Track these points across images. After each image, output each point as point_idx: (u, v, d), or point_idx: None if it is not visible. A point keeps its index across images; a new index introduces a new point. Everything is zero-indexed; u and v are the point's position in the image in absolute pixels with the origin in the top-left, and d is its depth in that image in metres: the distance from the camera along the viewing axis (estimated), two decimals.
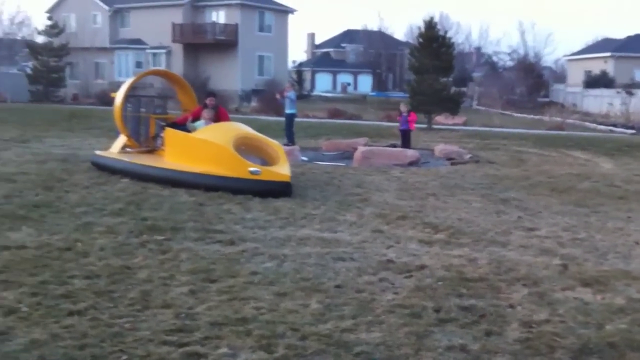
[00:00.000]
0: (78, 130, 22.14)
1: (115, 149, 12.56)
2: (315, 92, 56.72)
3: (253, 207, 9.18)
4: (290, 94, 19.31)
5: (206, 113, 11.88)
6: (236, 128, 11.50)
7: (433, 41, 27.02)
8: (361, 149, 15.53)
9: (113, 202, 9.19)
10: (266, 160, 10.71)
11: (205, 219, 8.34)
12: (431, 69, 26.79)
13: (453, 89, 28.75)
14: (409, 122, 18.25)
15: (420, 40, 27.70)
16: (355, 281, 6.01)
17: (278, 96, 20.70)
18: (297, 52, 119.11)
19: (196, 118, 12.09)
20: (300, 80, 51.88)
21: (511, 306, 5.46)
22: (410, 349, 4.47)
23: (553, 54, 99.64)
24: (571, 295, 5.81)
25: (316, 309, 5.18)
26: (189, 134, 11.31)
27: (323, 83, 66.14)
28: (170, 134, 11.56)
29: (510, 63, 66.18)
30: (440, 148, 17.58)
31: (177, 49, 48.79)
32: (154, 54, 50.03)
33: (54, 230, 7.46)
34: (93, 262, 6.26)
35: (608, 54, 51.30)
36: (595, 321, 5.16)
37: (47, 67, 43.25)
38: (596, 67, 50.29)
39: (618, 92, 38.34)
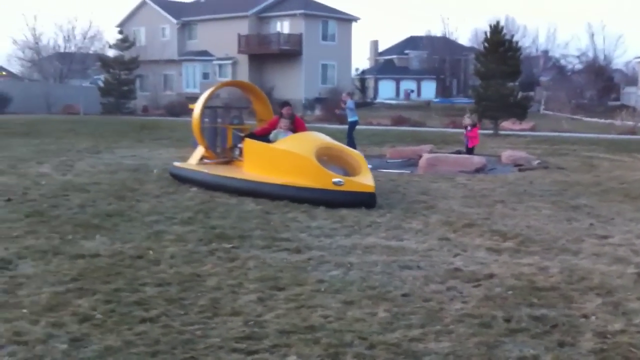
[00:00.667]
0: (148, 141, 22.73)
1: (194, 160, 12.56)
2: (379, 100, 56.62)
3: (318, 215, 9.23)
4: (349, 102, 19.44)
5: (283, 123, 11.72)
6: (317, 138, 11.26)
7: (499, 46, 26.62)
8: (426, 156, 15.41)
9: (183, 211, 9.40)
10: (348, 170, 10.51)
11: (272, 227, 8.43)
12: (497, 74, 26.38)
13: (520, 94, 28.22)
14: (469, 139, 17.43)
15: (486, 45, 27.31)
16: (423, 290, 5.96)
17: (337, 111, 21.23)
18: (360, 60, 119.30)
19: (273, 128, 11.91)
20: (363, 88, 51.97)
21: (584, 316, 5.31)
22: (480, 359, 4.40)
23: (624, 56, 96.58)
24: None
25: (384, 317, 5.16)
26: (269, 145, 11.11)
27: (386, 90, 65.96)
28: (249, 144, 11.45)
29: (579, 66, 64.58)
30: (507, 154, 17.27)
31: (243, 59, 49.60)
32: (220, 65, 50.99)
33: (126, 239, 7.68)
34: (164, 270, 6.41)
35: None
36: None
37: (118, 80, 44.70)
38: None
39: None
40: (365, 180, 10.09)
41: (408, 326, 4.99)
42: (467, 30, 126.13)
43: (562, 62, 69.76)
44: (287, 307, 5.37)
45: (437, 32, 75.73)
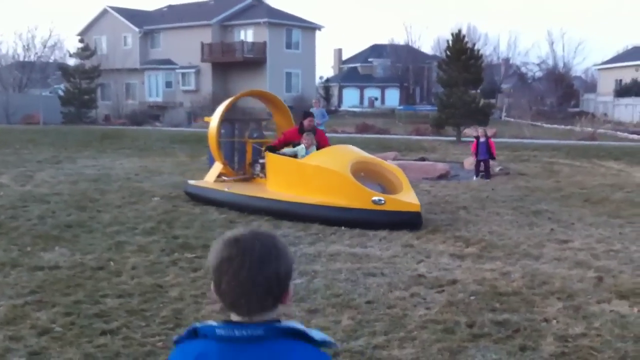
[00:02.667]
0: (110, 150, 22.45)
1: (211, 177, 11.57)
2: (343, 107, 56.85)
3: (282, 224, 9.20)
4: (316, 110, 19.49)
5: (306, 138, 10.38)
6: (351, 151, 10.30)
7: (461, 54, 26.90)
8: (390, 163, 15.47)
9: (145, 221, 9.28)
10: (386, 187, 9.55)
11: None
12: (460, 82, 26.66)
13: (482, 101, 28.57)
14: (491, 148, 15.31)
15: (448, 53, 27.59)
16: (387, 297, 5.97)
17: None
18: (324, 68, 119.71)
19: (290, 140, 10.83)
20: (327, 96, 52.04)
21: (546, 320, 5.37)
22: None
23: (583, 63, 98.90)
24: (607, 308, 5.69)
25: (348, 325, 5.16)
26: (298, 161, 10.13)
27: (350, 98, 66.26)
28: (274, 160, 10.47)
29: (539, 74, 65.72)
30: (470, 161, 17.45)
31: (206, 68, 49.35)
32: (184, 74, 50.66)
33: (86, 250, 7.55)
34: (125, 281, 6.32)
35: (638, 62, 50.58)
36: (632, 334, 5.04)
37: (79, 89, 44.09)
38: (627, 76, 49.62)
39: None
40: (408, 198, 9.12)
41: (372, 333, 4.99)
42: (430, 38, 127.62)
43: (523, 69, 70.93)
44: None
45: (401, 40, 76.52)
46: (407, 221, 8.83)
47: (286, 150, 10.58)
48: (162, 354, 4.51)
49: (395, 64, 67.83)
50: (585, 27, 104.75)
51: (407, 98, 65.21)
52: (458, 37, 27.09)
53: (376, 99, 67.16)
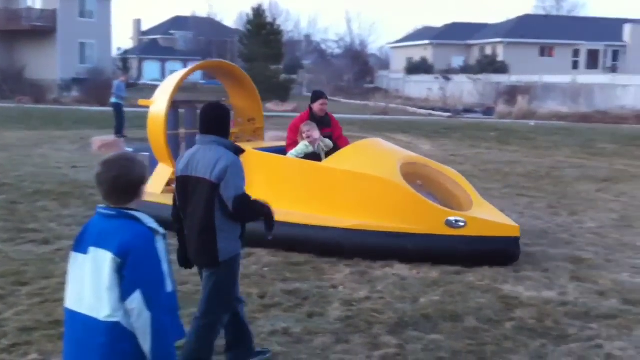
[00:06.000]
0: None
1: (157, 187, 7.63)
2: (143, 81, 55.00)
3: (72, 202, 8.69)
4: (121, 83, 18.68)
5: (307, 130, 7.02)
6: (392, 149, 7.58)
7: (262, 29, 27.15)
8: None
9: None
10: (447, 200, 6.90)
11: (17, 218, 7.78)
12: (261, 57, 26.89)
13: (283, 77, 29.07)
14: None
15: (249, 27, 27.70)
16: (181, 273, 5.85)
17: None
18: (122, 39, 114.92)
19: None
20: (126, 68, 49.99)
21: (334, 287, 5.60)
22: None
23: (377, 42, 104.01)
24: (390, 271, 6.05)
25: None
26: (317, 164, 6.94)
27: (151, 71, 64.26)
28: (266, 160, 7.20)
29: (338, 51, 68.12)
30: (272, 135, 17.67)
31: None
32: None
33: None
34: None
35: (427, 41, 54.25)
36: (411, 295, 5.42)
37: None
38: (417, 54, 53.03)
39: (436, 78, 40.71)
40: (496, 217, 6.57)
41: None
42: (233, 12, 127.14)
43: (323, 46, 73.20)
44: (30, 303, 4.99)
45: (203, 13, 75.45)
46: (501, 251, 6.32)
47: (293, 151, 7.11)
48: None
49: (198, 37, 66.74)
50: (379, 7, 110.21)
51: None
52: (258, 12, 27.27)
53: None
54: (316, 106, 7.21)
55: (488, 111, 30.02)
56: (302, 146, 6.99)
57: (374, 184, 6.56)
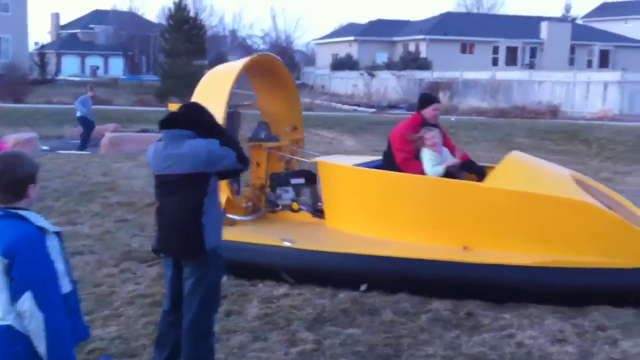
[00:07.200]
0: None
1: None
2: (62, 76, 53.29)
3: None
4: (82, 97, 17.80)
5: (429, 135, 5.89)
6: (551, 165, 6.61)
7: (184, 23, 26.73)
8: (108, 135, 14.89)
9: None
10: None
11: None
12: (183, 52, 26.48)
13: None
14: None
15: (171, 22, 27.25)
16: (95, 275, 5.73)
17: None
18: (39, 34, 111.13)
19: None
20: (43, 64, 48.33)
21: (253, 285, 5.56)
22: (148, 340, 4.34)
23: (303, 37, 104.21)
24: None
25: None
26: (474, 183, 5.77)
27: (70, 66, 62.31)
28: (406, 182, 5.80)
29: (263, 46, 67.86)
30: None
31: None
32: None
33: None
34: None
35: (352, 38, 54.65)
36: (330, 291, 5.42)
37: None
38: (342, 51, 53.33)
39: (361, 74, 41.08)
40: None
41: None
42: (155, 6, 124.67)
43: (249, 42, 72.74)
44: None
45: (124, 6, 73.72)
46: None
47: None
48: None
49: (119, 31, 65.16)
50: (304, 3, 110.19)
51: (132, 67, 63.21)
52: (180, 6, 26.84)
53: (98, 67, 64.07)
54: (428, 112, 6.09)
55: (411, 107, 30.49)
56: (433, 157, 5.76)
57: (564, 208, 5.25)
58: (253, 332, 4.57)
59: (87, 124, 15.60)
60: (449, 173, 5.76)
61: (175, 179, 3.68)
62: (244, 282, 5.59)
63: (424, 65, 40.87)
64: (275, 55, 7.19)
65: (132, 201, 8.83)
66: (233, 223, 6.18)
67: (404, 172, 5.80)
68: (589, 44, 48.59)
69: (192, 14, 28.24)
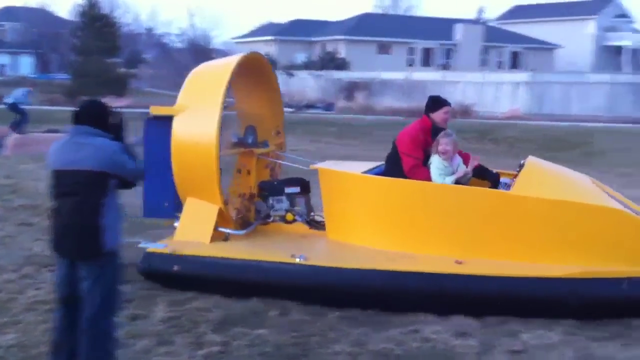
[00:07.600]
0: None
1: (203, 234, 5.62)
2: None
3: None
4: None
5: (445, 143, 5.44)
6: (570, 171, 6.11)
7: (96, 20, 26.02)
8: (14, 136, 14.31)
9: None
10: None
11: None
12: (95, 50, 25.76)
13: (122, 71, 28.07)
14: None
15: (83, 19, 26.45)
16: None
17: None
18: None
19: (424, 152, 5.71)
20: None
21: (156, 288, 5.44)
22: (47, 347, 4.16)
23: (221, 36, 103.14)
24: None
25: None
26: (500, 191, 5.35)
27: None
28: (421, 190, 5.36)
29: (180, 45, 66.78)
30: None
31: None
32: None
33: None
34: None
35: (272, 37, 54.51)
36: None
37: None
38: (261, 50, 52.57)
39: (280, 74, 41.12)
40: None
41: None
42: (68, 3, 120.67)
43: (165, 40, 71.36)
44: None
45: (35, 3, 71.05)
46: None
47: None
48: None
49: (29, 28, 62.74)
50: (222, 1, 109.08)
51: (43, 66, 61.01)
52: (91, 3, 26.09)
53: (3, 65, 61.58)
54: (439, 115, 5.77)
55: (329, 106, 30.76)
56: (442, 166, 5.37)
57: (596, 216, 5.00)
58: (158, 336, 4.47)
59: (18, 109, 15.51)
60: (460, 184, 5.40)
61: (75, 176, 3.57)
62: (149, 285, 5.46)
63: (342, 65, 41.25)
64: (263, 55, 6.63)
65: (36, 204, 8.49)
66: (226, 238, 5.70)
67: (411, 179, 5.41)
68: (500, 45, 50.19)
69: (105, 11, 27.50)
